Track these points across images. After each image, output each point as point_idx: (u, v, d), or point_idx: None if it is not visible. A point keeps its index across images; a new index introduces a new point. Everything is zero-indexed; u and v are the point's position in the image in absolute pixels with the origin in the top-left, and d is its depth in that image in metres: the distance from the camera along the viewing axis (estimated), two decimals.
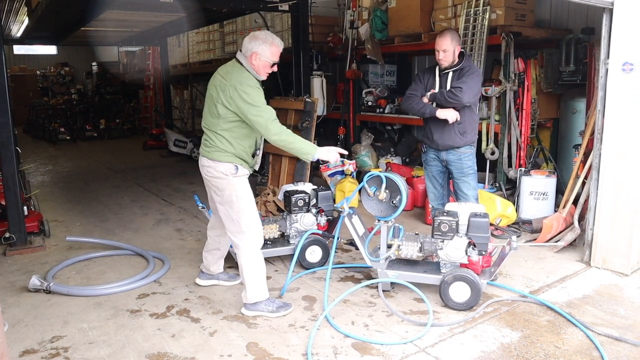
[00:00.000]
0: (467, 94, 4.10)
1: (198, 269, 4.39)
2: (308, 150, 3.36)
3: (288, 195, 4.39)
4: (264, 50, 3.37)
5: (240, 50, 3.46)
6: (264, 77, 3.47)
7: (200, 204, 4.44)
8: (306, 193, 4.40)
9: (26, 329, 3.38)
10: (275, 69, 3.48)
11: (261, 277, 3.54)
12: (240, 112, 3.31)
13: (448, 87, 4.22)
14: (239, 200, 3.44)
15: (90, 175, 8.90)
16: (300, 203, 4.34)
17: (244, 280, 3.52)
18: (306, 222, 4.38)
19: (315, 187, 4.58)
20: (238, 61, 3.44)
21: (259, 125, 3.30)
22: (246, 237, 3.47)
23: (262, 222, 4.35)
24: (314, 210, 4.41)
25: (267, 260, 4.48)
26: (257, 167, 3.68)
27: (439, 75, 4.31)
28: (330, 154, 3.42)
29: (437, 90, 4.27)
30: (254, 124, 3.32)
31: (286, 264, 4.38)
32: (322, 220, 4.43)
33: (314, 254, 4.30)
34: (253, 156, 3.58)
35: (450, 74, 4.24)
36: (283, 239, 4.50)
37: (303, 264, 4.28)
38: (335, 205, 4.51)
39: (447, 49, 4.14)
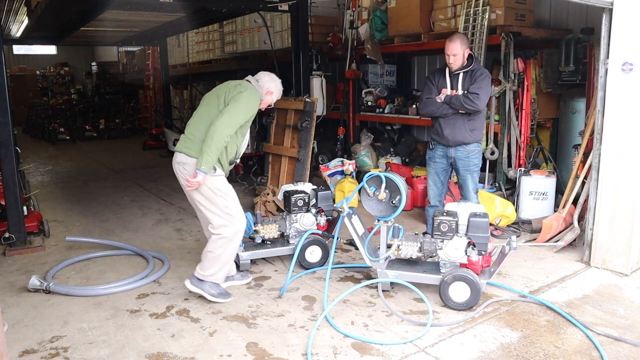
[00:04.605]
0: (483, 100, 4.25)
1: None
2: (206, 165, 3.45)
3: (288, 195, 4.39)
4: (275, 95, 3.86)
5: (257, 81, 3.80)
6: (261, 107, 3.83)
7: None
8: (306, 193, 4.40)
9: (26, 329, 3.38)
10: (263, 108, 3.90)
11: (227, 265, 3.72)
12: (226, 104, 3.55)
13: (459, 88, 4.31)
14: (220, 193, 3.59)
15: (90, 175, 8.90)
16: (300, 203, 4.34)
17: (207, 259, 3.64)
18: (306, 222, 4.38)
19: (315, 187, 4.57)
20: (250, 83, 3.76)
21: (218, 121, 3.46)
22: (228, 229, 3.61)
23: (262, 222, 4.37)
24: (313, 210, 4.41)
25: (267, 260, 4.50)
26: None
27: (450, 76, 4.37)
28: (200, 180, 3.53)
29: (448, 90, 4.34)
30: (217, 117, 3.49)
31: (286, 264, 4.38)
32: (322, 220, 4.43)
33: (313, 254, 4.30)
34: (230, 163, 3.76)
35: (461, 75, 4.32)
36: (283, 239, 4.49)
37: (303, 264, 4.28)
38: (334, 205, 4.51)
39: (457, 53, 4.23)
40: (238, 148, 3.75)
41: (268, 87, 3.80)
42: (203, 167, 3.45)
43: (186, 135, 3.68)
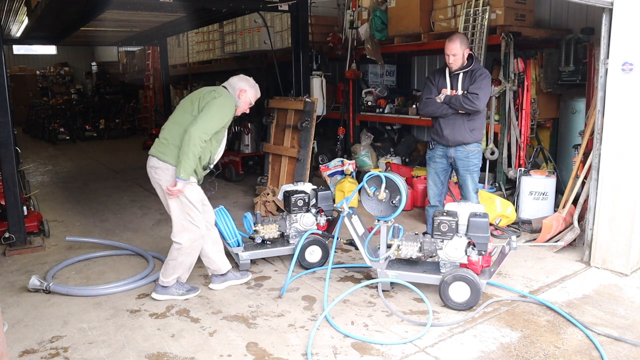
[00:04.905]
0: (483, 100, 4.26)
1: (197, 268, 4.39)
2: (185, 172, 3.49)
3: (288, 195, 4.39)
4: (250, 91, 3.79)
5: (230, 84, 3.78)
6: (239, 112, 3.83)
7: None
8: (306, 193, 4.40)
9: (26, 329, 3.38)
10: (248, 110, 3.90)
11: (189, 268, 3.84)
12: (200, 110, 3.56)
13: (459, 88, 4.32)
14: (187, 202, 3.63)
15: (90, 175, 8.90)
16: (300, 203, 4.34)
17: (170, 267, 3.72)
18: (306, 222, 4.38)
19: (315, 187, 4.57)
20: (225, 89, 3.77)
21: (192, 127, 3.46)
22: (187, 237, 3.66)
23: (262, 222, 4.37)
24: (313, 210, 4.41)
25: (267, 260, 4.50)
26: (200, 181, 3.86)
27: (450, 77, 4.38)
28: (181, 188, 3.55)
29: (448, 90, 4.34)
30: (192, 123, 3.50)
31: (286, 264, 4.38)
32: (322, 220, 4.43)
33: (313, 254, 4.30)
34: (204, 169, 3.76)
35: (461, 75, 4.32)
36: (283, 239, 4.49)
37: (303, 264, 4.28)
38: (334, 205, 4.51)
39: (457, 53, 4.23)
40: (212, 154, 3.76)
41: (239, 86, 3.76)
42: (182, 175, 3.48)
43: (159, 139, 3.70)
